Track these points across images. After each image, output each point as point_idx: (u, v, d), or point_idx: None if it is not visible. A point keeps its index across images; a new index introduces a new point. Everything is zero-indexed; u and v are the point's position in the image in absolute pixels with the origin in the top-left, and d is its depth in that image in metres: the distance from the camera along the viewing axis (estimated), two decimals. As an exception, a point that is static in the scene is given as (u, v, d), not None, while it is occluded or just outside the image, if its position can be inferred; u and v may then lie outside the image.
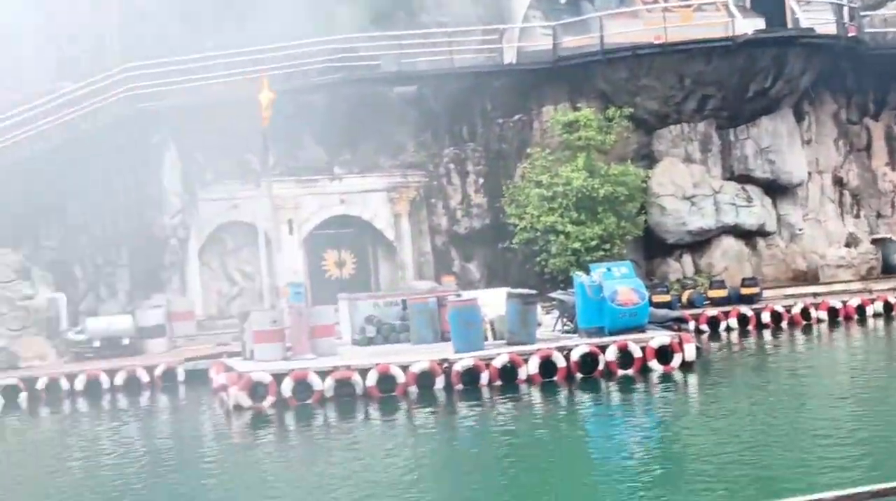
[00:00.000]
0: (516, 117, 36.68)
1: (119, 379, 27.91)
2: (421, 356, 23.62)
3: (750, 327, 31.54)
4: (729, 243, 35.52)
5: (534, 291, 26.79)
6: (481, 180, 36.50)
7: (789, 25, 36.54)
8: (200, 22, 33.53)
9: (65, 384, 27.54)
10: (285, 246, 33.88)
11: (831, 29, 36.69)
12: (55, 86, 32.59)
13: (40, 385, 27.37)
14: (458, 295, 27.19)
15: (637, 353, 24.47)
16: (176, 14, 33.82)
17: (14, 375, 27.76)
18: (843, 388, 20.65)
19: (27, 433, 23.84)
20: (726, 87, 35.59)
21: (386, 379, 22.71)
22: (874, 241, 37.68)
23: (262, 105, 28.81)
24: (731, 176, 36.32)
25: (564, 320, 27.18)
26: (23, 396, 27.00)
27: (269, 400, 22.76)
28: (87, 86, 32.40)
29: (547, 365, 23.69)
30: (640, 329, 25.81)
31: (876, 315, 32.66)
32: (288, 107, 31.49)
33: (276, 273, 31.80)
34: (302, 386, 22.93)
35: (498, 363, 23.43)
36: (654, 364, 24.11)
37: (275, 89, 29.44)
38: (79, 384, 27.56)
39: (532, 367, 23.55)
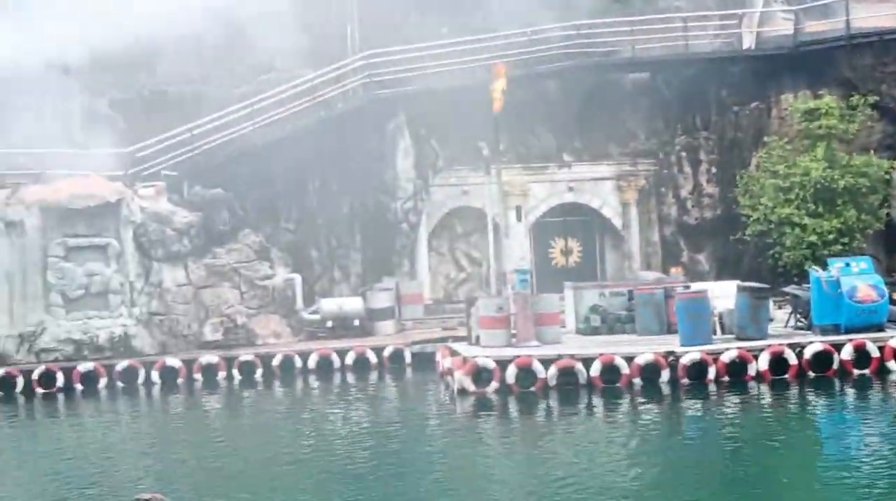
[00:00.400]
0: (753, 105, 35.63)
1: (349, 359, 28.86)
2: (646, 348, 23.37)
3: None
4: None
5: (766, 285, 26.05)
6: (714, 169, 35.69)
7: None
8: (437, 8, 34.06)
9: (298, 362, 28.68)
10: (513, 232, 34.07)
11: None
12: (298, 73, 33.81)
13: (276, 362, 28.60)
14: (687, 287, 26.77)
15: (875, 353, 23.48)
16: (412, 1, 34.53)
17: (251, 352, 29.07)
18: None
19: (263, 405, 24.98)
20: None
21: (610, 370, 22.58)
22: None
23: (495, 92, 29.03)
24: (984, 168, 34.17)
25: (798, 316, 26.27)
26: (259, 372, 28.26)
27: (493, 385, 23.02)
28: (327, 73, 33.50)
29: (778, 363, 23.02)
30: (879, 327, 24.75)
31: None
32: (520, 93, 31.62)
33: (503, 259, 32.01)
34: (525, 373, 23.08)
35: (726, 358, 22.93)
36: (892, 364, 23.06)
37: (508, 76, 29.61)
38: (311, 362, 28.65)
39: (762, 364, 22.92)
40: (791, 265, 31.56)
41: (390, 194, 34.10)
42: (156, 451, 18.96)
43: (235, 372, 28.22)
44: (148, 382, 27.80)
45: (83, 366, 27.90)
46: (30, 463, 18.50)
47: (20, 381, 27.40)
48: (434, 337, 29.48)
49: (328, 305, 31.40)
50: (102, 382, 27.63)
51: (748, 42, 35.90)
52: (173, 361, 28.23)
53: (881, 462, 14.46)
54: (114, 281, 29.18)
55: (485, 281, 33.78)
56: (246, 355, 28.74)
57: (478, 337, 25.37)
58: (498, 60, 30.73)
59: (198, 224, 30.74)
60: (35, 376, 27.55)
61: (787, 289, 27.20)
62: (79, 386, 27.42)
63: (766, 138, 34.45)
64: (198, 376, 27.97)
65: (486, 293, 30.52)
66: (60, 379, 27.57)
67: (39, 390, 27.32)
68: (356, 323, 30.96)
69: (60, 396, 27.08)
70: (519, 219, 34.89)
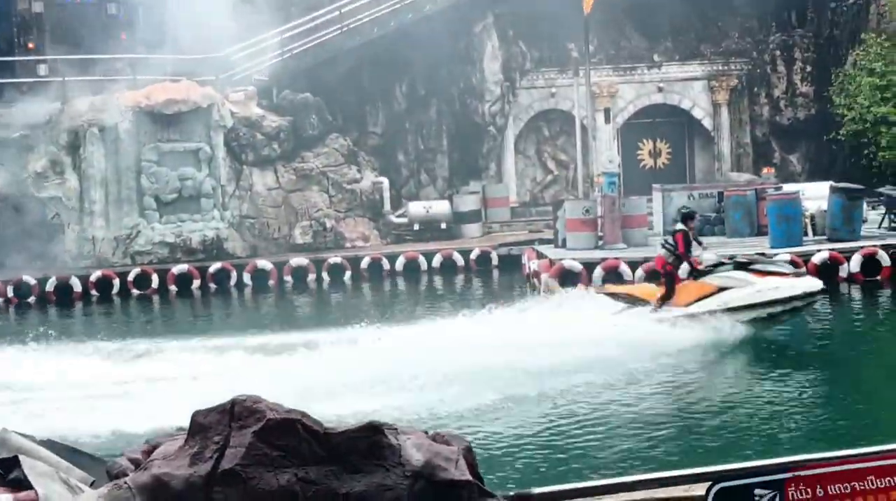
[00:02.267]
0: (851, 1, 34.52)
1: (436, 262, 29.07)
2: (736, 250, 23.13)
3: None
4: None
5: (860, 186, 25.53)
6: (809, 68, 34.83)
7: None
8: None
9: (386, 264, 28.98)
10: (601, 135, 33.71)
11: None
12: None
13: (364, 264, 28.94)
14: (778, 189, 26.37)
15: (970, 254, 22.98)
16: None
17: (340, 254, 29.45)
18: None
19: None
20: None
21: (697, 272, 22.42)
22: None
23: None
24: None
25: (892, 217, 25.78)
26: (347, 275, 28.65)
27: (580, 287, 23.03)
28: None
29: (870, 264, 22.71)
30: (977, 228, 24.23)
31: None
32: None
33: (591, 162, 31.78)
34: (612, 275, 23.08)
35: (817, 260, 22.67)
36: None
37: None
38: (398, 265, 28.93)
39: (854, 265, 22.66)
40: (886, 165, 30.82)
41: (477, 97, 33.92)
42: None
43: (324, 274, 28.63)
44: (240, 284, 28.39)
45: (177, 268, 28.57)
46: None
47: (116, 283, 28.13)
48: (521, 240, 29.54)
49: (415, 208, 31.60)
50: (196, 284, 28.28)
51: (847, -65, 34.69)
52: (264, 263, 28.75)
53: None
54: (206, 184, 29.64)
55: (572, 183, 33.59)
56: (334, 258, 29.12)
57: (564, 240, 25.40)
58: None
59: (287, 128, 31.00)
60: (130, 278, 28.26)
61: (881, 190, 26.65)
62: (173, 288, 28.11)
63: (863, 35, 33.40)
64: (288, 278, 28.46)
65: (573, 196, 30.37)
66: (155, 281, 28.27)
67: (135, 291, 28.05)
68: (443, 226, 31.15)
69: (155, 298, 27.80)
70: (607, 121, 34.48)
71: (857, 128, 31.96)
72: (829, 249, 23.15)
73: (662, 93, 34.98)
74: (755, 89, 35.04)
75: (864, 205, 25.62)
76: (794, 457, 5.99)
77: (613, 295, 18.68)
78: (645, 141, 35.49)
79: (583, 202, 26.30)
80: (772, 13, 35.13)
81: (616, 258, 23.75)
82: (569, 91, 32.32)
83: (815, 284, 17.75)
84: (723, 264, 17.97)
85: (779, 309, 17.43)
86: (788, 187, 26.41)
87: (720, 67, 34.96)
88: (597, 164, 31.26)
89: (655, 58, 35.05)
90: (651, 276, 21.48)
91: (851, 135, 32.15)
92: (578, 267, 23.53)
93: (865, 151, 31.70)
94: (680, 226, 18.32)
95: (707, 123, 34.99)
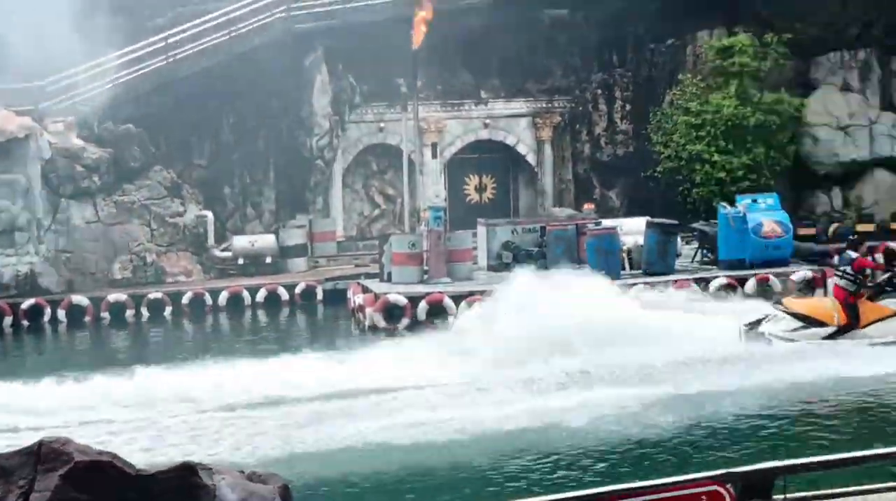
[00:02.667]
0: (669, 42, 35.79)
1: (260, 297, 28.70)
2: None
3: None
4: (882, 176, 34.00)
5: (675, 221, 26.40)
6: (628, 107, 35.86)
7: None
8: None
9: (208, 299, 28.44)
10: (428, 169, 34.03)
11: None
12: (214, 6, 33.12)
13: (185, 299, 28.34)
14: (598, 224, 27.00)
15: (777, 287, 24.00)
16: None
17: (160, 289, 28.76)
18: None
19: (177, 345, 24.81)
20: (890, 13, 33.91)
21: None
22: None
23: (416, 27, 28.85)
24: (889, 106, 34.72)
25: (705, 251, 26.72)
26: (168, 310, 27.99)
27: (405, 322, 23.13)
28: (244, 6, 32.84)
29: (687, 296, 23.43)
30: (784, 262, 25.32)
31: None
32: (440, 30, 31.35)
33: (418, 196, 32.01)
34: (437, 309, 23.23)
35: (634, 293, 23.23)
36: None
37: (432, 11, 29.36)
38: (221, 300, 28.44)
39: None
40: (700, 201, 31.99)
41: (306, 130, 33.80)
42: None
43: (144, 310, 27.91)
44: (54, 320, 27.42)
45: (-13, 305, 27.43)
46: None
47: (-74, 317, 26.87)
48: (347, 274, 29.45)
49: (240, 242, 31.15)
50: (8, 321, 27.16)
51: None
52: (80, 299, 27.84)
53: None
54: (21, 218, 28.57)
55: (399, 218, 33.74)
56: (154, 293, 28.41)
57: (390, 274, 25.44)
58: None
59: (108, 160, 30.19)
60: (-60, 312, 27.01)
61: (694, 225, 27.61)
62: (-18, 324, 26.98)
63: (680, 75, 34.68)
64: (105, 314, 27.63)
65: (399, 230, 30.50)
66: (-36, 317, 27.08)
67: (-55, 326, 26.83)
68: (268, 260, 30.77)
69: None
70: (434, 156, 34.81)
71: (673, 165, 33.13)
72: (646, 282, 23.81)
73: (488, 129, 35.49)
74: (577, 126, 35.88)
75: (679, 240, 26.50)
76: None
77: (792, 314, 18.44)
78: (471, 176, 35.93)
79: (409, 236, 26.42)
80: (594, 52, 36.06)
81: (440, 292, 23.91)
82: (397, 126, 32.52)
83: None
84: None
85: None
86: (607, 222, 27.06)
87: (544, 105, 35.69)
88: (423, 199, 31.48)
89: (482, 94, 35.58)
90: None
91: (668, 171, 33.28)
92: (403, 300, 23.63)
93: (681, 187, 32.86)
94: (854, 253, 18.82)
95: (531, 159, 35.64)
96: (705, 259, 26.62)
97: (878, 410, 14.61)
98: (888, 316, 18.02)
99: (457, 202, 34.99)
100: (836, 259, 27.59)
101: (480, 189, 36.03)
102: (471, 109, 35.44)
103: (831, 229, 31.89)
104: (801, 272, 24.67)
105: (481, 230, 27.97)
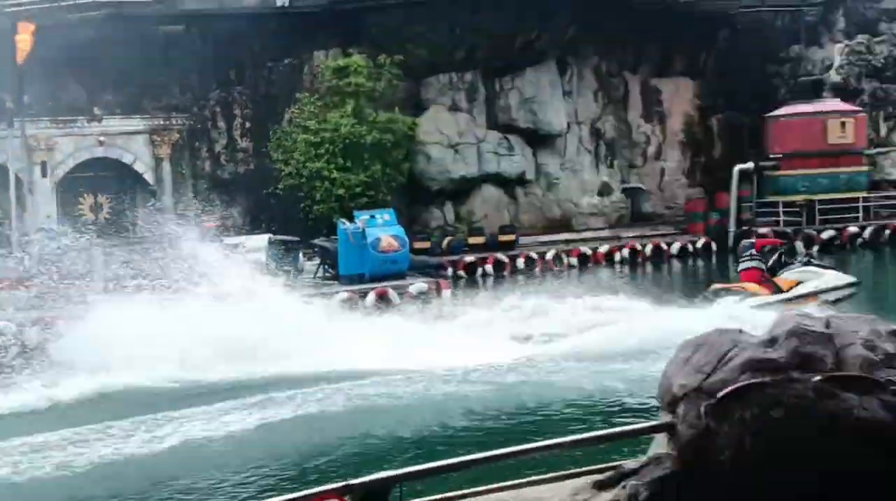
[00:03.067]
0: (286, 61, 36.22)
1: None
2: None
3: (506, 273, 32.48)
4: (489, 191, 36.27)
5: (296, 238, 26.78)
6: (248, 124, 35.96)
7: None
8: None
9: None
10: (39, 189, 32.47)
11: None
12: None
13: None
14: (220, 241, 26.83)
15: (396, 300, 24.85)
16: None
17: None
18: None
19: None
20: (495, 38, 36.07)
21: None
22: (625, 191, 39.31)
23: (18, 41, 27.47)
24: (494, 125, 36.99)
25: (326, 267, 27.26)
26: None
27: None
28: None
29: (306, 312, 23.74)
30: (401, 275, 26.24)
31: (622, 260, 34.26)
32: (49, 44, 30.00)
33: (27, 217, 30.48)
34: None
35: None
36: (412, 310, 24.48)
37: (35, 24, 28.04)
38: None
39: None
40: (321, 218, 32.59)
41: None
42: None
43: None
44: None
45: None
46: None
47: None
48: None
49: None
50: None
51: (283, -1, 36.42)
52: None
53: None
54: None
55: (7, 240, 31.94)
56: None
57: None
58: (25, 8, 29.01)
59: None
60: None
61: (315, 241, 28.10)
62: None
63: (298, 94, 35.18)
64: None
65: (7, 252, 28.89)
66: None
67: None
68: None
69: None
70: (44, 174, 33.25)
71: (294, 182, 33.55)
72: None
73: (104, 146, 34.33)
74: (196, 144, 35.54)
75: (301, 256, 26.89)
76: None
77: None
78: (86, 195, 34.62)
79: (11, 259, 25.15)
80: (212, 70, 35.85)
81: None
82: (3, 143, 30.82)
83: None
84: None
85: (848, 292, 20.98)
86: (229, 240, 26.98)
87: (162, 122, 35.03)
88: (33, 220, 30.03)
89: (96, 111, 34.40)
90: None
91: (289, 188, 33.67)
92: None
93: (302, 204, 33.33)
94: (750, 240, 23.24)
95: (149, 177, 34.87)
96: (327, 274, 27.18)
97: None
98: (794, 287, 20.88)
99: (72, 222, 33.57)
100: (449, 270, 29.19)
101: (96, 208, 34.78)
102: (84, 126, 34.14)
103: (445, 242, 33.53)
104: (418, 284, 25.74)
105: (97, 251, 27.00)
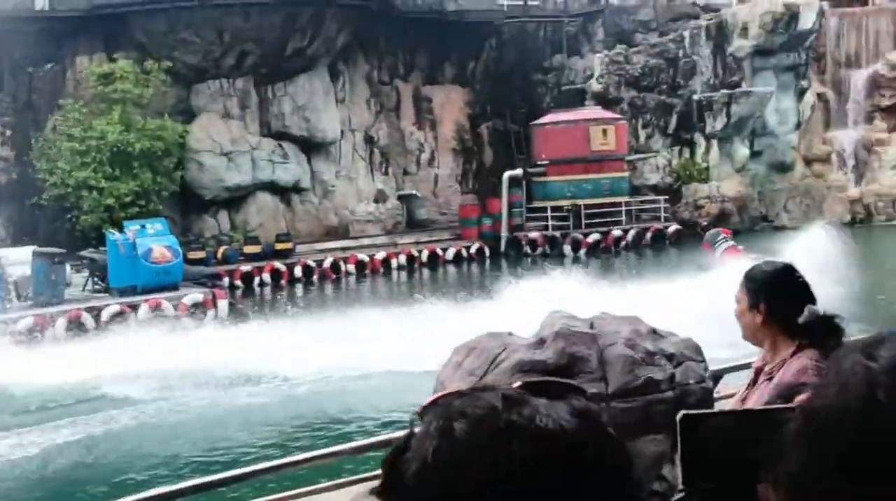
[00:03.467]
0: (48, 66, 34.94)
1: None
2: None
3: (283, 281, 32.33)
4: (265, 199, 35.99)
5: (63, 250, 25.85)
6: (9, 132, 34.49)
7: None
8: None
9: None
10: None
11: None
12: None
13: None
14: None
15: (170, 311, 24.39)
16: None
17: None
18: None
19: None
20: (265, 44, 35.83)
21: None
22: (400, 197, 39.78)
23: None
24: (268, 132, 36.74)
25: (96, 279, 26.45)
26: None
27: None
28: None
29: (79, 326, 23.08)
30: (175, 286, 25.76)
31: (400, 267, 34.65)
32: None
33: None
34: None
35: (21, 326, 22.47)
36: (187, 321, 24.10)
37: None
38: None
39: (59, 330, 22.81)
40: (89, 229, 31.57)
41: None
42: None
43: None
44: None
45: None
46: None
47: None
48: None
49: None
50: None
51: (41, 2, 35.07)
52: None
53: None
54: None
55: None
56: None
57: None
58: None
59: None
60: None
61: (83, 253, 27.23)
62: None
63: (62, 101, 33.98)
64: None
65: None
66: None
67: None
68: None
69: None
70: None
71: (60, 192, 32.35)
72: (34, 314, 23.10)
73: None
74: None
75: (69, 269, 25.98)
76: None
77: None
78: None
79: None
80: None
81: None
82: None
83: None
84: None
85: None
86: (-9, 253, 25.83)
87: None
88: None
89: None
90: None
91: (55, 199, 32.46)
92: None
93: (69, 215, 32.18)
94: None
95: None
96: (97, 287, 26.37)
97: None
98: None
99: None
100: (225, 280, 28.85)
101: None
102: None
103: (220, 252, 33.05)
104: (192, 295, 25.30)
105: None
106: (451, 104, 42.28)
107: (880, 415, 1.15)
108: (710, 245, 24.48)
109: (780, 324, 3.62)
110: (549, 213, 37.11)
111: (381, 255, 34.65)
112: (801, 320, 3.48)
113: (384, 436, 5.08)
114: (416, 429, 1.15)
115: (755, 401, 3.59)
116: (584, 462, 1.12)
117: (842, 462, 1.16)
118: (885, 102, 40.28)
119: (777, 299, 3.65)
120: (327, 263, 33.50)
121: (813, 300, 3.59)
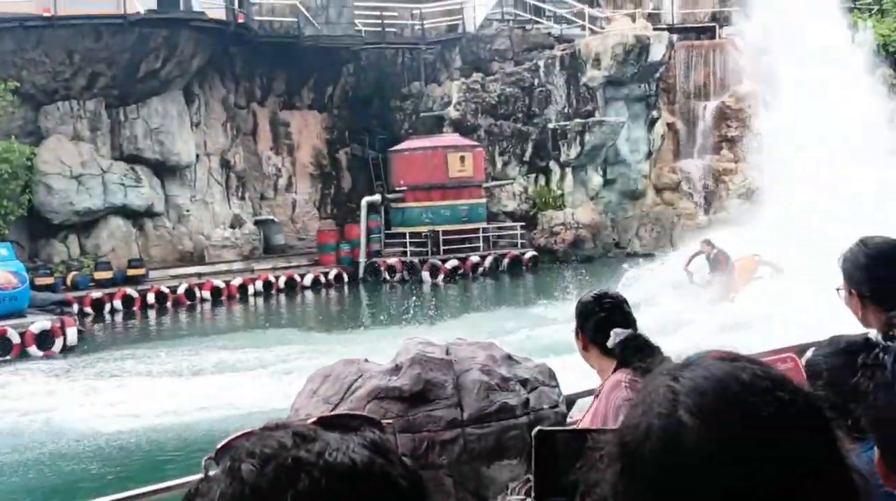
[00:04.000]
0: None
1: None
2: None
3: (135, 308, 31.64)
4: (117, 224, 35.16)
5: None
6: None
7: (182, 7, 36.80)
8: None
9: None
10: None
11: (222, 14, 37.48)
12: None
13: None
14: None
15: (16, 339, 23.65)
16: None
17: None
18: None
19: None
20: (117, 66, 35.11)
21: None
22: (257, 222, 39.37)
23: None
24: (120, 155, 35.94)
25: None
26: None
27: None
28: None
29: None
30: (21, 313, 24.98)
31: (257, 293, 34.26)
32: None
33: None
34: None
35: None
36: (33, 349, 23.42)
37: None
38: None
39: None
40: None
41: None
42: None
43: None
44: None
45: None
46: None
47: None
48: None
49: None
50: None
51: None
52: None
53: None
54: None
55: None
56: None
57: None
58: None
59: None
60: None
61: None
62: None
63: None
64: None
65: None
66: None
67: None
68: None
69: None
70: None
71: None
72: None
73: None
74: None
75: None
76: None
77: None
78: None
79: None
80: None
81: None
82: None
83: None
84: None
85: None
86: None
87: None
88: None
89: None
90: None
91: None
92: None
93: None
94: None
95: None
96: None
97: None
98: None
99: None
100: (74, 307, 28.13)
101: None
102: None
103: (69, 278, 32.16)
104: (41, 322, 24.52)
105: None
106: (308, 129, 42.13)
107: (683, 435, 1.18)
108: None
109: (599, 348, 3.97)
110: (407, 239, 37.21)
111: (237, 281, 34.20)
112: (609, 344, 3.80)
113: (180, 480, 4.95)
114: (211, 472, 1.12)
115: (587, 420, 3.88)
116: (376, 493, 1.12)
117: (649, 482, 1.18)
118: (732, 133, 41.61)
119: (588, 327, 4.02)
120: (181, 289, 32.89)
121: (624, 323, 3.86)
